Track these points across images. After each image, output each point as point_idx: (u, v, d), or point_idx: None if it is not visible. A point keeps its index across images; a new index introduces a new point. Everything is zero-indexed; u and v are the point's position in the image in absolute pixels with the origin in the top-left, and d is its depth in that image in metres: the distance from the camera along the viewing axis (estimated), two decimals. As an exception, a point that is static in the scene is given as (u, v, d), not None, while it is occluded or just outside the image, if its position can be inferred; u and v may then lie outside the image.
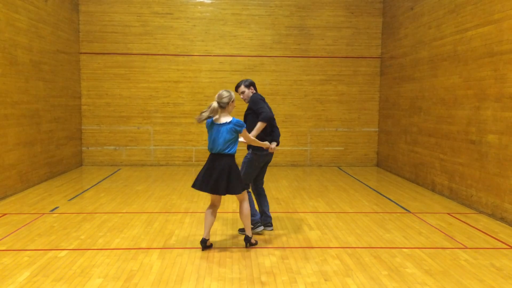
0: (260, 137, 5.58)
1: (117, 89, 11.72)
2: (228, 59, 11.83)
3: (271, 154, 5.82)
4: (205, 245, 5.24)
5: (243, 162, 5.76)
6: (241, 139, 5.29)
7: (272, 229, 6.03)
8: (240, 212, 5.34)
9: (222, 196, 5.59)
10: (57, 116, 10.12)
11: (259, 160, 5.73)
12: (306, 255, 5.11)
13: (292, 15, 11.84)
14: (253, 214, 5.78)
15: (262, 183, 6.10)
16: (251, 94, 5.79)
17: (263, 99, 5.72)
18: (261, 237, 5.76)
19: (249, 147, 5.72)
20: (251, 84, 5.84)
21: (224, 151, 5.06)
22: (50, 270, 4.58)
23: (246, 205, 5.32)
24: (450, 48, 8.17)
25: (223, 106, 5.07)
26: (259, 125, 5.50)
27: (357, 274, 4.56)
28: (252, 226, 5.75)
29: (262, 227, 5.84)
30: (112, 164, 11.82)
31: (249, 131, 5.55)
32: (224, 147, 5.06)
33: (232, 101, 5.14)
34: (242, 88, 5.83)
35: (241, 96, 5.87)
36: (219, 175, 5.03)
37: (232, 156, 5.13)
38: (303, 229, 6.16)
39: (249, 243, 5.33)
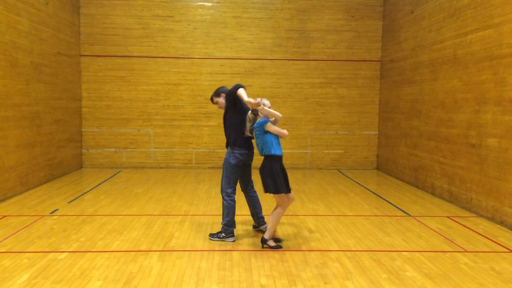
0: (243, 139, 5.59)
1: (118, 92, 11.73)
2: (228, 61, 11.85)
3: (249, 154, 5.72)
4: (265, 242, 5.46)
5: (223, 164, 5.78)
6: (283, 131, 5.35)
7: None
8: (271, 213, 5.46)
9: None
10: (58, 118, 10.13)
11: (236, 159, 5.62)
12: (306, 258, 5.11)
13: (292, 18, 11.87)
14: (230, 224, 5.69)
15: (250, 186, 5.98)
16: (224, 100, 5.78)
17: None
18: (260, 239, 5.76)
19: (227, 145, 5.73)
20: (222, 92, 5.83)
21: (263, 154, 5.35)
22: (50, 272, 4.58)
23: (277, 210, 5.37)
24: (450, 51, 8.19)
25: (256, 113, 5.35)
26: (239, 91, 5.33)
27: (357, 277, 4.56)
28: (224, 235, 5.70)
29: (233, 238, 5.72)
30: (112, 166, 11.82)
31: (232, 128, 5.62)
32: (260, 151, 5.36)
33: None
34: (215, 99, 5.87)
35: (218, 107, 5.90)
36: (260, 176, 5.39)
37: (268, 157, 5.31)
38: (302, 232, 6.16)
39: (265, 244, 5.44)
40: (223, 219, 5.71)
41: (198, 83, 11.79)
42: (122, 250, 5.30)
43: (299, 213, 7.21)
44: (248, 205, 6.05)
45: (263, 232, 5.95)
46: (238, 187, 5.95)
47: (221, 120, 6.26)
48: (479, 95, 7.24)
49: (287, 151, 11.98)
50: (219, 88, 5.91)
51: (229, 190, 5.68)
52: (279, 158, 5.36)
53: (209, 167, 11.88)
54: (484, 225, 6.61)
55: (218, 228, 6.11)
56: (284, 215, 7.01)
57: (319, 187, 9.54)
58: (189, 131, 11.90)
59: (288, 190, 5.38)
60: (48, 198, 8.02)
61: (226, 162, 5.69)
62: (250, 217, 6.62)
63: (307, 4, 11.85)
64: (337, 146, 12.18)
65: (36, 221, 6.49)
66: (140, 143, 11.87)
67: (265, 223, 6.04)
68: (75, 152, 11.26)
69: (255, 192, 6.04)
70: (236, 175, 5.70)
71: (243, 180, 5.95)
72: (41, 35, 9.27)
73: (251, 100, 5.21)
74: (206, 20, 11.76)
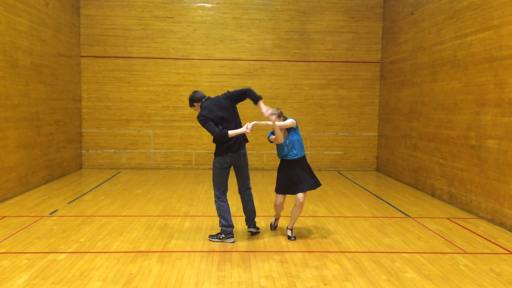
0: (225, 144, 5.64)
1: (118, 93, 11.73)
2: (228, 63, 11.85)
3: (235, 156, 5.64)
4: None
5: None
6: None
7: (257, 230, 6.02)
8: None
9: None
10: (57, 119, 10.13)
11: (220, 163, 5.65)
12: (306, 259, 5.11)
13: (292, 20, 11.88)
14: (227, 225, 5.68)
15: (245, 187, 5.95)
16: (200, 110, 5.78)
17: (206, 115, 5.59)
18: (260, 241, 5.76)
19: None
20: (192, 101, 5.88)
21: None
22: (49, 273, 4.57)
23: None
24: (450, 53, 8.20)
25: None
26: (230, 133, 5.50)
27: (357, 278, 4.56)
28: (223, 236, 5.70)
29: (232, 239, 5.71)
30: (112, 167, 11.82)
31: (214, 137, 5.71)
32: None
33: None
34: (192, 108, 6.01)
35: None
36: None
37: None
38: (302, 233, 6.15)
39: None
40: (220, 221, 5.72)
41: (198, 84, 11.79)
42: (122, 251, 5.29)
43: (298, 214, 7.21)
44: (242, 205, 6.08)
45: (253, 233, 6.00)
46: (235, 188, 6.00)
47: None
48: (479, 96, 7.24)
49: (287, 152, 11.96)
50: (190, 96, 5.90)
51: (218, 193, 5.72)
52: (283, 161, 5.80)
53: (208, 168, 11.86)
54: (484, 227, 6.61)
55: (217, 229, 6.11)
56: (284, 216, 6.99)
57: (318, 188, 9.49)
58: (189, 132, 11.90)
59: (281, 191, 5.82)
60: (48, 199, 8.01)
61: (213, 165, 5.76)
62: (250, 218, 6.64)
63: (307, 5, 11.86)
64: (337, 148, 12.18)
65: (35, 221, 6.49)
66: (140, 144, 11.87)
67: (254, 226, 6.01)
68: (74, 153, 11.26)
69: (249, 194, 6.01)
70: (221, 177, 5.69)
71: (237, 181, 5.97)
72: (41, 36, 9.27)
73: (247, 130, 5.44)
74: (206, 21, 11.76)
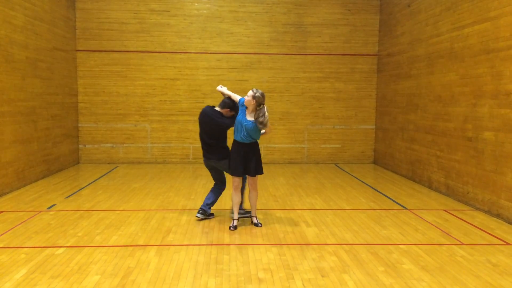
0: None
1: (114, 87, 11.69)
2: (225, 56, 11.82)
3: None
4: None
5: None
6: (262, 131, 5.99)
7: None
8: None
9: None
10: (54, 114, 10.09)
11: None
12: (303, 251, 5.13)
13: (289, 13, 11.84)
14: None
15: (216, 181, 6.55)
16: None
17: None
18: (258, 233, 5.78)
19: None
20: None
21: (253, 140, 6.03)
22: (47, 267, 4.58)
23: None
24: (447, 45, 8.19)
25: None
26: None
27: (354, 270, 4.58)
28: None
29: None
30: (109, 161, 11.80)
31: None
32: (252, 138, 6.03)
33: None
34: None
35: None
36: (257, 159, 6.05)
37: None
38: (300, 226, 6.17)
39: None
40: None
41: (195, 78, 11.76)
42: (120, 244, 5.30)
43: (296, 207, 7.23)
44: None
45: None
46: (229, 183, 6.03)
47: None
48: (475, 88, 7.25)
49: (285, 146, 11.98)
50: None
51: None
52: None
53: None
54: (481, 218, 6.64)
55: (214, 222, 6.13)
56: (281, 209, 7.03)
57: (316, 181, 9.55)
58: (186, 126, 11.88)
59: None
60: (45, 194, 8.00)
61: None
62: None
63: (304, -2, 11.82)
64: (334, 141, 12.19)
65: (33, 216, 6.48)
66: (137, 138, 11.85)
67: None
68: (71, 148, 11.23)
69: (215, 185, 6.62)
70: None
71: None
72: (37, 30, 9.21)
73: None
74: (203, 15, 11.71)
